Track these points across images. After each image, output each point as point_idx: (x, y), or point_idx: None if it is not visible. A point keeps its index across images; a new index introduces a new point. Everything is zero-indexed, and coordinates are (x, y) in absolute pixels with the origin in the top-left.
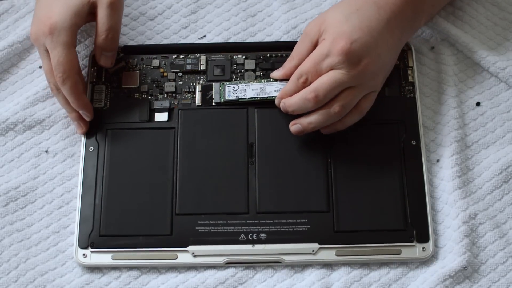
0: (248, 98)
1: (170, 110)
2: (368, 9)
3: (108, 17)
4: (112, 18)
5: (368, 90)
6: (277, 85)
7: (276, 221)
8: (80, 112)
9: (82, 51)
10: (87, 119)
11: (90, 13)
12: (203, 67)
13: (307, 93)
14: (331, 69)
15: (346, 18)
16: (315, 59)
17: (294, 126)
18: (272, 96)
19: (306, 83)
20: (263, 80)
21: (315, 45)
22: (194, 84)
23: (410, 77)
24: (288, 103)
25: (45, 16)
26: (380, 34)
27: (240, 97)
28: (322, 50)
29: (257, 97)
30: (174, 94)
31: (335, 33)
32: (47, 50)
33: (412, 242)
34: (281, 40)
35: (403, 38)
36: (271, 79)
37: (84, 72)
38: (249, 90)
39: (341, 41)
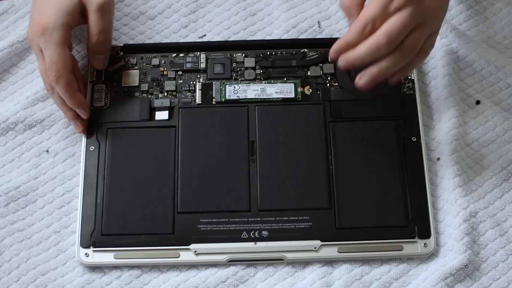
0: (249, 99)
1: (170, 109)
2: None
3: (98, 21)
4: (101, 22)
5: (431, 29)
6: (278, 87)
7: (278, 218)
8: (76, 110)
9: (82, 51)
10: (84, 117)
11: (82, 15)
12: (203, 65)
13: (378, 38)
14: (398, 10)
15: None
16: (381, 3)
17: (363, 79)
18: (273, 98)
19: (373, 31)
20: (264, 81)
21: None
22: (194, 82)
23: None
24: (355, 55)
25: (39, 16)
26: None
27: (241, 98)
28: None
29: (258, 98)
30: (174, 93)
31: None
32: (41, 50)
33: (413, 238)
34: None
35: None
36: (273, 80)
37: (83, 72)
38: (250, 90)
39: None
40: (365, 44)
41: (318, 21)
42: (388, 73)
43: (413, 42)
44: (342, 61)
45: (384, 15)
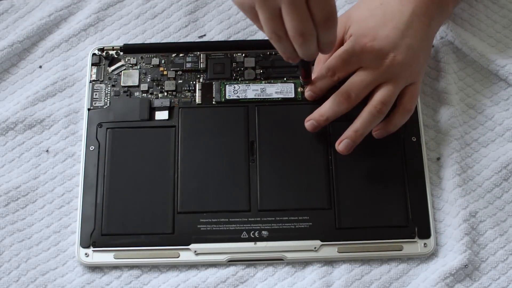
0: (249, 99)
1: (170, 109)
2: (391, 2)
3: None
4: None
5: (404, 82)
6: (278, 87)
7: (278, 218)
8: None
9: (82, 51)
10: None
11: None
12: (203, 65)
13: (338, 96)
14: (359, 67)
15: (370, 13)
16: (342, 56)
17: (342, 143)
18: (273, 98)
19: (334, 76)
20: (263, 81)
21: (341, 42)
22: (194, 82)
23: None
24: (320, 112)
25: None
26: (406, 25)
27: (240, 98)
28: (347, 48)
29: (258, 98)
30: (174, 93)
31: (360, 30)
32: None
33: (413, 238)
34: None
35: (433, 25)
36: (273, 80)
37: (83, 72)
38: (250, 90)
39: (365, 38)
40: (326, 103)
41: None
42: (364, 132)
43: (381, 99)
44: (311, 123)
45: (345, 68)
